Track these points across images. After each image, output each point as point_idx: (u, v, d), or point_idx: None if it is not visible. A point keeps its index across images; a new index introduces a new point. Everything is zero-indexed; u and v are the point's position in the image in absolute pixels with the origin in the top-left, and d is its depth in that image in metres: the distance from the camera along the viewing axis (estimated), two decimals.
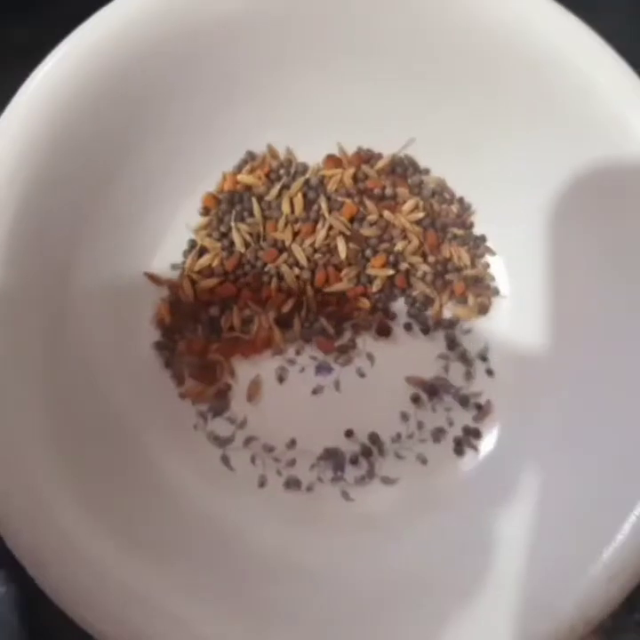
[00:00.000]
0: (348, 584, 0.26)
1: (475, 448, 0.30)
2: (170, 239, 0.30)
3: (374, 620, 0.24)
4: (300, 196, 0.30)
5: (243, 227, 0.30)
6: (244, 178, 0.30)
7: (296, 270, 0.29)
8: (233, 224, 0.30)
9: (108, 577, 0.22)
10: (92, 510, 0.24)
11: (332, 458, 0.29)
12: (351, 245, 0.30)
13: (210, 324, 0.29)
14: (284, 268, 0.29)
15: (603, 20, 0.26)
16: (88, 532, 0.23)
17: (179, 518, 0.26)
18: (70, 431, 0.25)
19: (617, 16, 0.31)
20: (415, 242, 0.30)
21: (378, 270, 0.30)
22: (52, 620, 0.23)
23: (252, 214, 0.30)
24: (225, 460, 0.29)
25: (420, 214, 0.30)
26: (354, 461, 0.29)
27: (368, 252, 0.30)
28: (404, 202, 0.30)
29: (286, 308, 0.29)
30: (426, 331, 0.30)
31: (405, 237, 0.30)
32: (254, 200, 0.30)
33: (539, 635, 0.23)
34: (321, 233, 0.30)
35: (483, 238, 0.31)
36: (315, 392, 0.30)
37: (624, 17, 0.33)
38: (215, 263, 0.30)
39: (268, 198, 0.30)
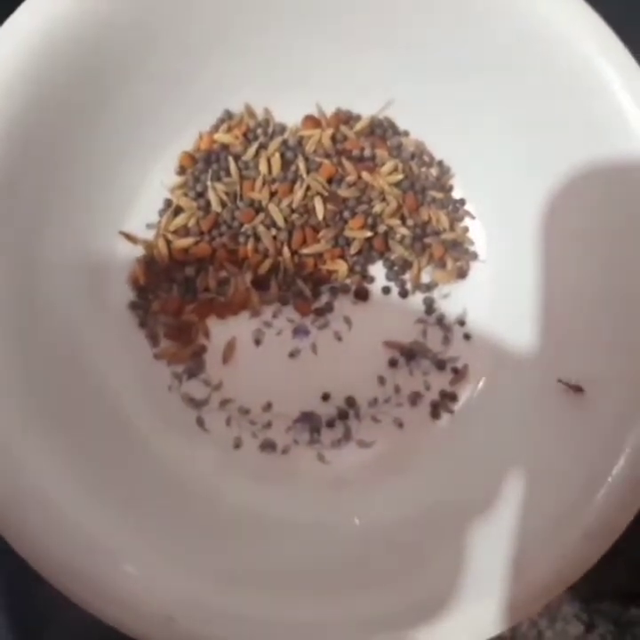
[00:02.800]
0: (333, 536, 0.26)
1: (451, 411, 0.30)
2: (145, 198, 0.30)
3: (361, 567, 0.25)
4: (277, 155, 0.30)
5: (219, 186, 0.29)
6: (220, 137, 0.30)
7: (273, 231, 0.29)
8: (209, 183, 0.29)
9: (78, 530, 0.22)
10: (67, 466, 0.24)
11: (309, 421, 0.29)
12: (329, 206, 0.29)
13: (185, 284, 0.29)
14: (261, 229, 0.29)
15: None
16: (65, 492, 0.23)
17: (152, 477, 0.26)
18: (44, 388, 0.25)
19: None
20: (394, 204, 0.30)
21: (356, 232, 0.29)
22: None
23: (228, 174, 0.30)
24: (200, 422, 0.29)
25: (399, 176, 0.30)
26: (330, 425, 0.29)
27: (346, 214, 0.29)
28: (383, 164, 0.30)
29: (263, 270, 0.29)
30: (404, 295, 0.30)
31: (384, 199, 0.30)
32: (231, 159, 0.30)
33: (513, 593, 0.23)
34: (298, 193, 0.29)
35: (462, 202, 0.31)
36: (291, 355, 0.30)
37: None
38: (191, 223, 0.29)
39: (245, 158, 0.30)
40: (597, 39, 0.25)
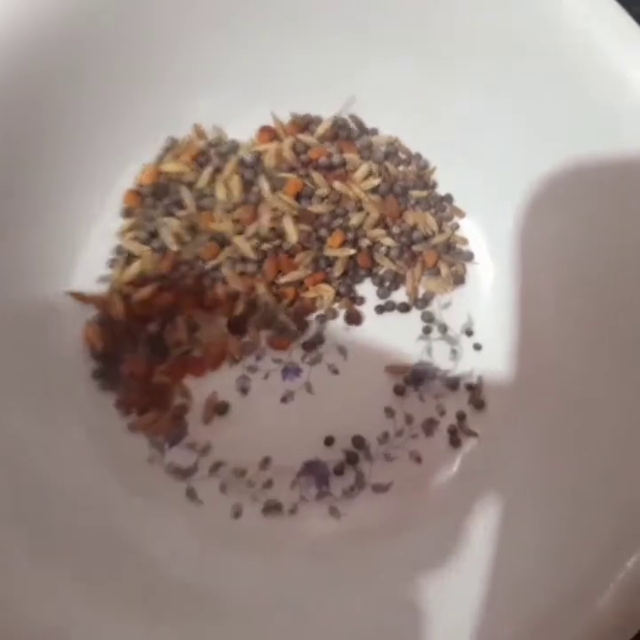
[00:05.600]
0: (335, 612, 0.23)
1: (473, 434, 0.26)
2: (92, 248, 0.26)
3: None
4: (235, 178, 0.27)
5: (173, 222, 0.26)
6: (167, 166, 0.27)
7: (238, 267, 0.26)
8: (161, 220, 0.26)
9: None
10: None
11: (314, 472, 0.26)
12: (301, 226, 0.26)
13: (151, 342, 0.26)
14: (226, 270, 0.26)
15: None
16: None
17: (139, 577, 0.22)
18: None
19: None
20: (374, 213, 0.26)
21: (336, 251, 0.26)
22: None
23: (182, 206, 0.26)
24: (191, 494, 0.25)
25: (376, 181, 0.27)
26: (339, 472, 0.26)
27: (322, 232, 0.26)
28: (356, 169, 0.27)
29: (237, 311, 0.26)
30: (400, 311, 0.27)
31: (361, 209, 0.27)
32: (184, 189, 0.26)
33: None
34: (265, 217, 0.26)
35: (448, 198, 0.28)
36: (284, 399, 0.27)
37: None
38: (147, 269, 0.26)
39: (199, 185, 0.27)
40: (588, 13, 0.22)
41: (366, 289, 0.27)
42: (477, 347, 0.27)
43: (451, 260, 0.27)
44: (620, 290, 0.24)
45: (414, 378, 0.27)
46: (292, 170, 0.27)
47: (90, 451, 0.24)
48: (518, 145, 0.26)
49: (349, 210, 0.27)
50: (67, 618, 0.21)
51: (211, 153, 0.27)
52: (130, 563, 0.23)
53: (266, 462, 0.26)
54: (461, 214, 0.28)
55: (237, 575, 0.24)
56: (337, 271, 0.26)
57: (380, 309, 0.27)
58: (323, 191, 0.26)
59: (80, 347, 0.25)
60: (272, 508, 0.25)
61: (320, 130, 0.27)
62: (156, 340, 0.26)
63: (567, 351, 0.25)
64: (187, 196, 0.26)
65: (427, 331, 0.27)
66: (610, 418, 0.23)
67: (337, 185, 0.26)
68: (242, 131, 0.28)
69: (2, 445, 0.22)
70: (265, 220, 0.26)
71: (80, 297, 0.26)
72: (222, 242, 0.26)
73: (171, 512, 0.25)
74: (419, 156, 0.28)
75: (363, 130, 0.28)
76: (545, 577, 0.22)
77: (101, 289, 0.26)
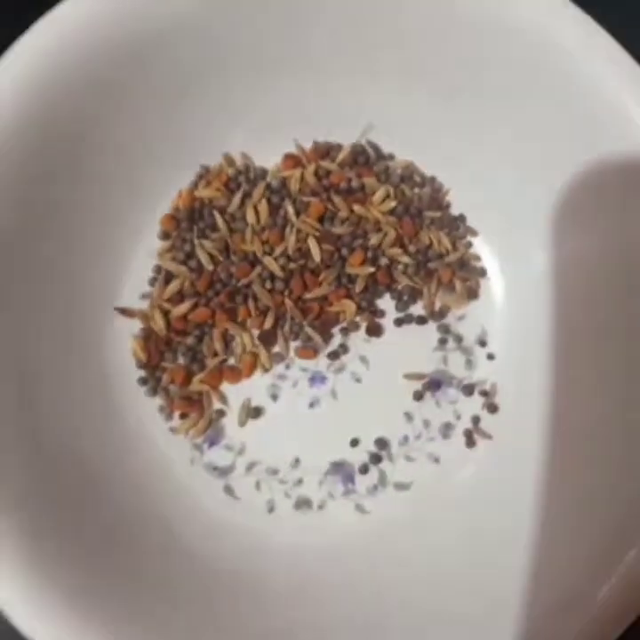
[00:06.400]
0: (360, 600, 0.25)
1: (487, 437, 0.28)
2: (134, 269, 0.28)
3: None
4: (264, 202, 0.28)
5: (207, 243, 0.28)
6: (201, 192, 0.29)
7: (268, 284, 0.28)
8: (196, 242, 0.28)
9: None
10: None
11: (340, 471, 0.28)
12: (324, 246, 0.28)
13: (189, 353, 0.28)
14: (256, 287, 0.28)
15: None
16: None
17: (183, 566, 0.25)
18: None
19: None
20: (391, 233, 0.28)
21: (357, 269, 0.28)
22: None
23: (215, 229, 0.28)
24: (228, 491, 0.28)
25: (392, 203, 0.28)
26: (363, 471, 0.28)
27: (344, 251, 0.28)
28: (374, 192, 0.29)
29: (268, 324, 0.28)
30: (418, 324, 0.29)
31: (380, 230, 0.28)
32: (216, 213, 0.28)
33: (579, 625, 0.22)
34: (291, 239, 0.28)
35: (462, 218, 0.29)
36: (312, 405, 0.28)
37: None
38: (185, 286, 0.28)
39: (230, 210, 0.29)
40: (589, 42, 0.24)
41: (386, 303, 0.29)
42: (491, 356, 0.29)
43: (465, 275, 0.29)
44: (622, 295, 0.25)
45: (431, 385, 0.28)
46: (314, 194, 0.28)
47: (141, 450, 0.27)
48: (526, 170, 0.27)
49: (368, 230, 0.28)
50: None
51: (240, 179, 0.29)
52: (174, 555, 0.25)
53: (296, 462, 0.28)
54: (474, 233, 0.29)
55: (271, 566, 0.26)
56: (358, 287, 0.28)
57: (399, 322, 0.29)
58: (343, 214, 0.28)
59: (128, 357, 0.28)
60: (303, 504, 0.28)
61: (340, 156, 0.29)
62: (194, 352, 0.28)
63: (575, 359, 0.27)
64: (219, 219, 0.28)
65: (443, 342, 0.29)
66: (615, 419, 0.25)
67: (356, 208, 0.28)
68: (268, 158, 0.29)
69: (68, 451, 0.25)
70: (291, 241, 0.28)
71: (126, 312, 0.28)
72: (253, 262, 0.28)
73: (210, 507, 0.27)
74: (433, 179, 0.29)
75: (380, 155, 0.29)
76: (552, 571, 0.24)
77: (144, 305, 0.28)
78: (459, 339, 0.29)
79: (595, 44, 0.24)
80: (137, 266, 0.29)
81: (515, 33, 0.24)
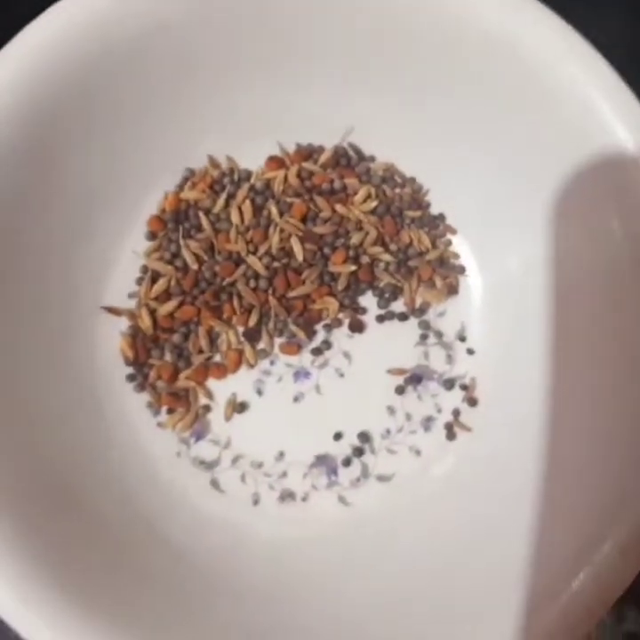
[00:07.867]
0: (343, 592, 0.25)
1: (467, 429, 0.29)
2: (121, 269, 0.29)
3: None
4: (247, 203, 0.29)
5: (192, 243, 0.29)
6: (187, 194, 0.29)
7: (252, 282, 0.29)
8: (182, 242, 0.29)
9: None
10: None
11: (324, 463, 0.29)
12: (307, 246, 0.29)
13: (176, 350, 0.29)
14: (241, 286, 0.28)
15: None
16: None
17: (168, 557, 0.25)
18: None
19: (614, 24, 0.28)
20: (373, 232, 0.29)
21: (339, 267, 0.29)
22: None
23: (200, 230, 0.29)
24: (214, 484, 0.28)
25: (373, 203, 0.29)
26: (346, 464, 0.29)
27: (326, 250, 0.29)
28: (355, 193, 0.29)
29: (252, 322, 0.28)
30: (399, 320, 0.30)
31: (361, 229, 0.29)
32: (202, 214, 0.29)
33: (552, 617, 0.22)
34: (274, 238, 0.29)
35: (441, 217, 0.30)
36: (296, 400, 0.29)
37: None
38: (172, 285, 0.29)
39: (215, 211, 0.29)
40: (562, 45, 0.24)
41: (367, 300, 0.30)
42: (470, 351, 0.29)
43: (444, 273, 0.30)
44: (598, 291, 0.26)
45: (413, 379, 0.29)
46: (297, 195, 0.29)
47: (128, 445, 0.27)
48: (503, 170, 0.28)
49: (350, 230, 0.29)
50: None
51: (225, 181, 0.29)
52: (159, 548, 0.26)
53: (281, 455, 0.28)
54: (453, 231, 0.30)
55: (256, 558, 0.27)
56: (340, 285, 0.29)
57: (381, 318, 0.30)
58: (326, 214, 0.29)
59: (116, 354, 0.28)
60: (287, 497, 0.28)
61: (322, 158, 0.30)
62: (181, 349, 0.29)
63: (552, 353, 0.27)
64: (204, 220, 0.29)
65: (423, 337, 0.30)
66: (593, 412, 0.25)
67: (338, 208, 0.29)
68: (252, 160, 0.30)
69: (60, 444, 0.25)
70: (275, 241, 0.29)
71: (114, 311, 0.29)
72: (237, 261, 0.29)
73: (196, 500, 0.28)
74: (413, 180, 0.30)
75: (361, 157, 0.30)
76: (536, 560, 0.24)
77: (131, 304, 0.29)
78: (439, 334, 0.30)
79: (559, 39, 0.24)
80: (124, 266, 0.29)
81: (479, 33, 0.24)
